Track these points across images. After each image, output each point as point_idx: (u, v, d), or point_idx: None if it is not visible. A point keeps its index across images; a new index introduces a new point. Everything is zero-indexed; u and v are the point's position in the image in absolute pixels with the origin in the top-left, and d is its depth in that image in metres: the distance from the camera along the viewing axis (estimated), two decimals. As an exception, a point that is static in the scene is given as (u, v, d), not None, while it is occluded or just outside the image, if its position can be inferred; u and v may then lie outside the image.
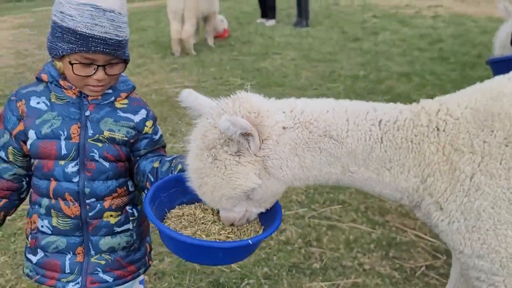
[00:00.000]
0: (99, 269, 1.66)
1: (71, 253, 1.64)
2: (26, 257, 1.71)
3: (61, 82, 1.57)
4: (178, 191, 1.61)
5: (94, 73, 1.50)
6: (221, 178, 1.42)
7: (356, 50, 8.09)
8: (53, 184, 1.58)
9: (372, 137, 1.48)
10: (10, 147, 1.60)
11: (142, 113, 1.67)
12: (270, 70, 7.03)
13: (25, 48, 10.42)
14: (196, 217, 1.58)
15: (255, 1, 11.42)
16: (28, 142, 1.56)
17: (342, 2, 13.66)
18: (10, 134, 1.59)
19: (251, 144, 1.42)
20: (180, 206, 1.64)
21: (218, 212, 1.58)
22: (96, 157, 1.59)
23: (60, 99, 1.57)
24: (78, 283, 1.65)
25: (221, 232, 1.53)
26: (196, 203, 1.64)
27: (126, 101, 1.66)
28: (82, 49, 1.44)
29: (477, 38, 8.36)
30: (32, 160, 1.62)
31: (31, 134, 1.55)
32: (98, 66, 1.49)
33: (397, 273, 2.65)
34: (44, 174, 1.59)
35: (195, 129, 1.52)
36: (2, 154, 1.61)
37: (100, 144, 1.59)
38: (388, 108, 1.56)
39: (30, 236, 1.68)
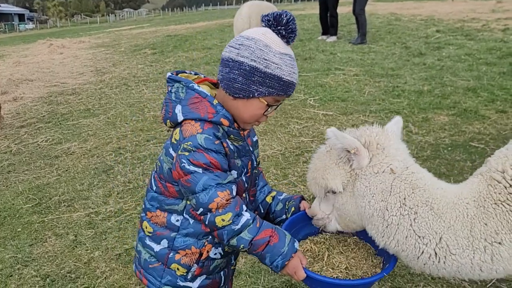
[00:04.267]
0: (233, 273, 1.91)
1: (226, 267, 1.80)
2: (182, 286, 1.71)
3: (235, 125, 1.63)
4: (296, 231, 1.79)
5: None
6: (321, 164, 1.64)
7: (419, 65, 8.02)
8: None
9: (468, 212, 1.51)
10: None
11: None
12: (332, 85, 7.17)
13: (102, 66, 11.35)
14: (315, 252, 1.72)
15: (316, 18, 11.64)
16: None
17: (404, 17, 13.53)
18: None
19: (355, 160, 1.58)
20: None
21: (331, 244, 1.75)
22: (258, 182, 1.86)
23: (237, 140, 1.65)
24: None
25: (342, 263, 1.66)
26: (308, 237, 1.80)
27: None
28: (281, 93, 1.56)
29: (551, 52, 7.99)
30: None
31: (233, 173, 1.64)
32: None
33: (467, 283, 2.68)
34: None
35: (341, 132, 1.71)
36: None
37: (256, 171, 1.82)
38: (473, 185, 1.57)
39: (194, 265, 1.68)
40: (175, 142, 1.58)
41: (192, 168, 1.51)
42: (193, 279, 1.69)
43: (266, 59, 1.52)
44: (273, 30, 1.55)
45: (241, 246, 1.53)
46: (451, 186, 1.63)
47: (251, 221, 1.53)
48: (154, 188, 1.70)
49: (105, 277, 3.02)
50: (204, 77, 1.73)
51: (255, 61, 1.52)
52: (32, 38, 22.06)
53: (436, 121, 5.38)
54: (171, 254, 1.67)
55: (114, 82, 9.26)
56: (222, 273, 1.77)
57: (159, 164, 1.68)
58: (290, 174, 4.30)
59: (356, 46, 9.97)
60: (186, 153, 1.51)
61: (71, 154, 5.44)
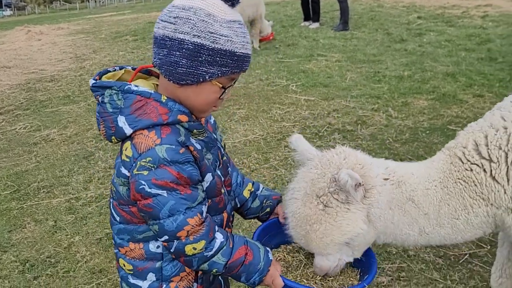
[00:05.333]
0: None
1: None
2: None
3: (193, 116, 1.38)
4: (268, 239, 1.67)
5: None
6: (331, 224, 1.47)
7: (400, 51, 8.10)
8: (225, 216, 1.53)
9: (437, 197, 1.60)
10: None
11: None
12: (315, 71, 7.19)
13: (82, 53, 11.13)
14: (288, 262, 1.62)
15: (299, 4, 11.60)
16: (204, 185, 1.40)
17: (386, 4, 13.58)
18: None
19: (358, 193, 1.46)
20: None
21: (306, 254, 1.63)
22: (230, 169, 1.62)
23: (201, 133, 1.40)
24: None
25: (317, 277, 1.56)
26: (281, 246, 1.68)
27: None
28: (236, 70, 1.30)
29: (528, 38, 8.15)
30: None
31: (208, 177, 1.40)
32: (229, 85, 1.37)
33: (441, 260, 2.76)
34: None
35: (297, 178, 1.57)
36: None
37: (225, 157, 1.59)
38: (439, 164, 1.65)
39: (194, 284, 1.49)
40: (128, 160, 1.29)
41: (154, 190, 1.24)
42: None
43: (212, 32, 1.24)
44: None
45: (214, 270, 1.35)
46: (418, 167, 1.69)
47: (224, 243, 1.35)
48: (118, 218, 1.42)
49: (85, 261, 3.01)
50: (133, 68, 1.45)
51: (198, 36, 1.23)
52: (10, 25, 21.44)
53: (415, 106, 5.46)
54: (164, 286, 1.43)
55: (95, 69, 9.11)
56: (220, 276, 1.58)
57: (114, 189, 1.39)
58: (271, 158, 4.32)
59: (338, 32, 10.00)
60: (145, 172, 1.24)
61: (50, 141, 5.36)
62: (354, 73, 6.94)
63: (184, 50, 1.24)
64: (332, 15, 12.42)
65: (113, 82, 1.34)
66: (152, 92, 1.31)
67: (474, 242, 2.92)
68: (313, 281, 1.55)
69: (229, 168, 1.61)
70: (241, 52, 1.28)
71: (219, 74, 1.28)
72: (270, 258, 1.43)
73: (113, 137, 1.33)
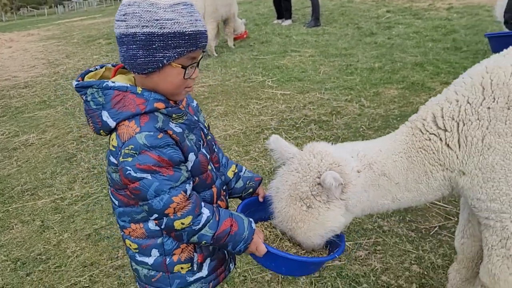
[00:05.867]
0: None
1: None
2: (193, 280, 1.62)
3: (171, 102, 1.48)
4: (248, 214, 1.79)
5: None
6: (314, 223, 1.66)
7: (371, 44, 8.36)
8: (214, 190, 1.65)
9: (404, 167, 1.78)
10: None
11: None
12: (289, 66, 7.37)
13: (55, 58, 11.03)
14: (266, 236, 1.75)
15: (271, 2, 11.79)
16: (189, 165, 1.51)
17: (356, -1, 13.91)
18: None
19: (337, 190, 1.64)
20: None
21: (282, 230, 1.78)
22: (215, 148, 1.73)
23: (180, 117, 1.50)
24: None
25: (292, 248, 1.75)
26: (259, 222, 1.83)
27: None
28: (191, 48, 1.39)
29: (490, 27, 8.53)
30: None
31: (191, 157, 1.51)
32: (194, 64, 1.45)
33: (413, 233, 2.97)
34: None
35: (280, 178, 1.73)
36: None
37: (209, 136, 1.70)
38: (402, 136, 1.83)
39: (195, 254, 1.61)
40: (114, 149, 1.42)
41: (139, 174, 1.36)
42: (200, 268, 1.62)
43: (157, 19, 1.33)
44: None
45: (203, 242, 1.48)
46: (383, 142, 1.86)
47: (211, 217, 1.47)
48: (117, 203, 1.56)
49: (76, 256, 3.10)
50: (113, 65, 1.57)
51: (147, 26, 1.33)
52: (-23, 33, 20.96)
53: (386, 95, 5.70)
54: (168, 259, 1.57)
55: (70, 73, 9.06)
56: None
57: (109, 177, 1.53)
58: (251, 150, 4.47)
59: (310, 28, 10.22)
60: (129, 159, 1.36)
61: (30, 145, 5.37)
62: (327, 67, 7.16)
63: (138, 42, 1.35)
64: (303, 12, 12.66)
65: (92, 81, 1.45)
66: (128, 85, 1.42)
67: (443, 215, 3.14)
68: (291, 251, 1.74)
69: (214, 146, 1.71)
70: (190, 31, 1.36)
71: (176, 56, 1.38)
72: (254, 228, 1.57)
73: (101, 131, 1.46)
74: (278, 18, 11.46)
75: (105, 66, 1.55)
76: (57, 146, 5.20)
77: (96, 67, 1.54)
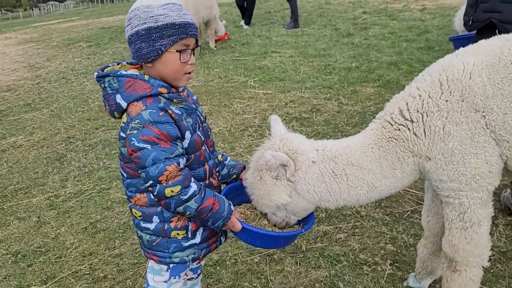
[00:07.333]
0: None
1: None
2: (188, 245, 1.88)
3: (174, 89, 1.79)
4: (233, 196, 2.08)
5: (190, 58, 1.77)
6: (262, 192, 1.96)
7: (348, 45, 8.70)
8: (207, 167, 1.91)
9: (376, 155, 2.01)
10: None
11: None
12: (270, 67, 7.63)
13: (36, 61, 11.02)
14: (247, 215, 2.05)
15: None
16: (186, 142, 1.78)
17: (333, 1, 14.28)
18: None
19: (287, 172, 1.92)
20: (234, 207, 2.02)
21: (259, 211, 2.08)
22: (210, 134, 2.00)
23: (180, 102, 1.79)
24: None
25: (268, 226, 2.04)
26: (243, 204, 2.12)
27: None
28: (182, 36, 1.70)
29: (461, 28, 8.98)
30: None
31: (187, 134, 1.78)
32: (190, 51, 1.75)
33: (388, 217, 3.25)
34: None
35: (255, 153, 2.03)
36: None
37: (206, 124, 1.98)
38: (372, 131, 2.06)
39: (189, 223, 1.87)
40: (124, 125, 1.72)
41: (141, 145, 1.63)
42: (193, 235, 1.88)
43: (152, 16, 1.67)
44: None
45: (188, 213, 1.72)
46: (354, 138, 2.11)
47: (197, 192, 1.71)
48: (125, 175, 1.83)
49: (75, 247, 3.27)
50: (128, 63, 1.87)
51: (145, 23, 1.67)
52: (-49, 37, 20.55)
53: (363, 93, 6.01)
54: (166, 225, 1.83)
55: (52, 76, 9.11)
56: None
57: (119, 152, 1.82)
58: (237, 146, 4.70)
59: (290, 30, 10.51)
60: (135, 131, 1.64)
61: (18, 147, 5.47)
62: (307, 67, 7.45)
63: (140, 37, 1.69)
64: (282, 13, 12.95)
65: (110, 71, 1.78)
66: (138, 74, 1.75)
67: (415, 200, 3.44)
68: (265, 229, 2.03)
69: (210, 133, 1.98)
70: (179, 21, 1.69)
71: (171, 43, 1.70)
72: (232, 209, 1.86)
73: (115, 113, 1.77)
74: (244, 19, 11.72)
75: (121, 63, 1.86)
76: (46, 147, 5.33)
77: (113, 63, 1.86)
